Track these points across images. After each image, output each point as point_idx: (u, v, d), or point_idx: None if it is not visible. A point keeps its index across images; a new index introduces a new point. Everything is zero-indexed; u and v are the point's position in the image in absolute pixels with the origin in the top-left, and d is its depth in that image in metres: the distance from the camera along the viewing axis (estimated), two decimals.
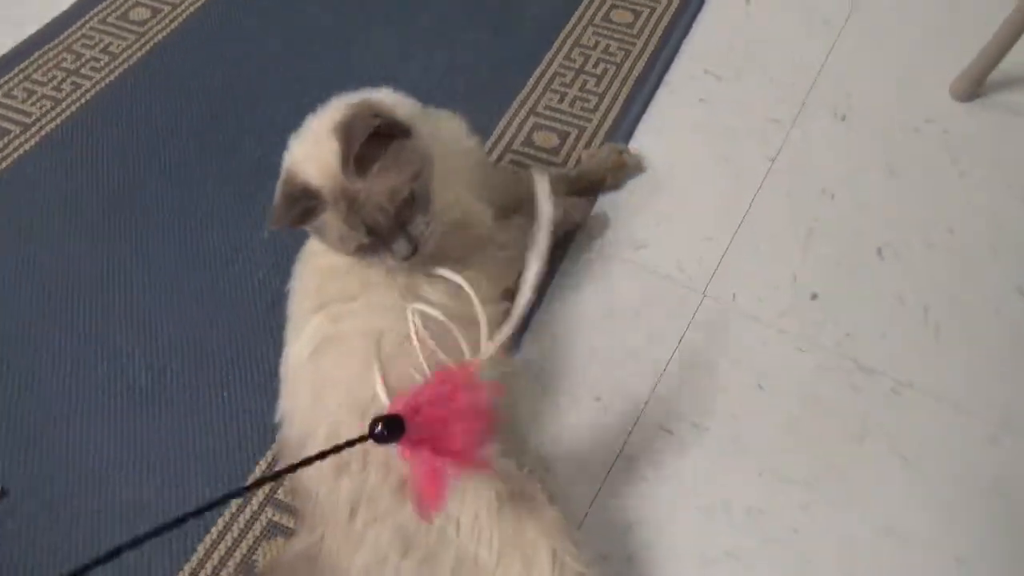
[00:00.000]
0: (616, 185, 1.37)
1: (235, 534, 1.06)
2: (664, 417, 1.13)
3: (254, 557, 1.04)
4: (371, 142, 0.88)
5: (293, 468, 0.66)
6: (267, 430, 1.11)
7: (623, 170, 1.37)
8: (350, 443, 0.68)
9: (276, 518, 1.07)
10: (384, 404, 0.81)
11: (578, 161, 1.40)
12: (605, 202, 1.36)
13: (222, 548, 1.05)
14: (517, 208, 1.29)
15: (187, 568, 1.03)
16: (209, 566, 1.03)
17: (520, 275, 0.82)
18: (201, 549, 1.05)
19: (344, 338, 0.97)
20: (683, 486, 1.08)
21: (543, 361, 1.19)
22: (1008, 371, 1.15)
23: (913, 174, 1.37)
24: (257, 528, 1.06)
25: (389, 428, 0.67)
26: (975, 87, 1.44)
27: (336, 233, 0.94)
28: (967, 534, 1.02)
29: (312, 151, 0.94)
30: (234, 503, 1.08)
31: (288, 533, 1.05)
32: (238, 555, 1.04)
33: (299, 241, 1.09)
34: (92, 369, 1.21)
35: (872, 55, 1.54)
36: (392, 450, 0.91)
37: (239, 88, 1.56)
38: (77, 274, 1.31)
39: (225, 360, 1.21)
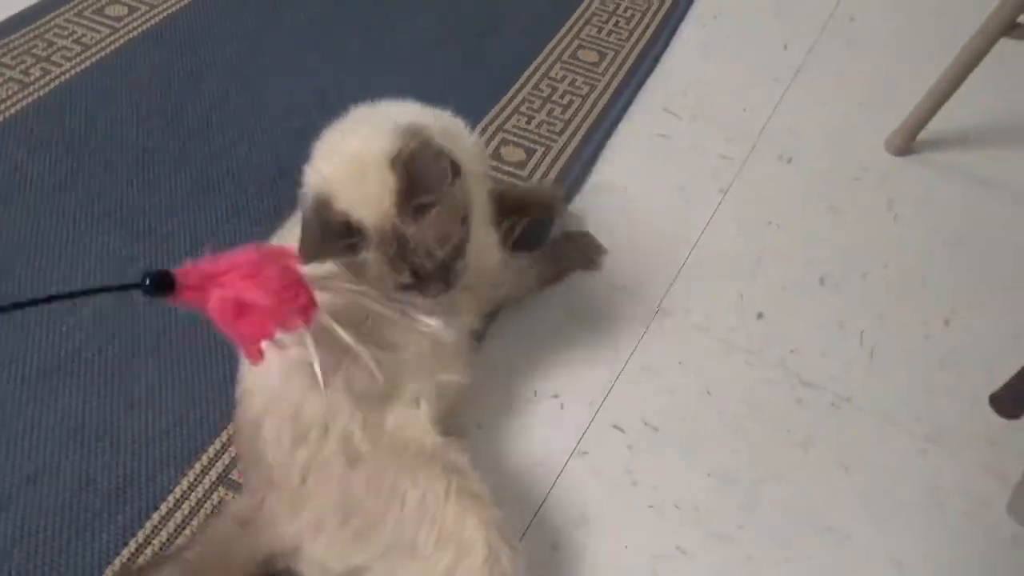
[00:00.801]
0: (551, 214, 1.39)
1: (185, 512, 1.04)
2: (617, 417, 1.17)
3: None
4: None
5: (19, 306, 0.64)
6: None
7: (555, 208, 1.39)
8: (107, 288, 0.69)
9: (229, 497, 1.05)
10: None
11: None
12: (566, 218, 1.42)
13: (171, 526, 1.02)
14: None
15: (132, 544, 1.00)
16: (157, 542, 1.01)
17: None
18: (149, 526, 1.02)
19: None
20: (635, 483, 1.11)
21: (502, 358, 1.22)
22: (936, 391, 1.23)
23: (852, 214, 1.48)
24: (208, 507, 1.04)
25: (157, 282, 0.67)
26: (907, 143, 1.58)
27: (376, 272, 0.88)
28: (905, 539, 1.08)
29: (357, 181, 0.84)
30: (185, 482, 1.06)
31: None
32: (188, 533, 1.02)
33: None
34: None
35: (816, 110, 1.67)
36: (353, 425, 0.93)
37: (208, 90, 1.57)
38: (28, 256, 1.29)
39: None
